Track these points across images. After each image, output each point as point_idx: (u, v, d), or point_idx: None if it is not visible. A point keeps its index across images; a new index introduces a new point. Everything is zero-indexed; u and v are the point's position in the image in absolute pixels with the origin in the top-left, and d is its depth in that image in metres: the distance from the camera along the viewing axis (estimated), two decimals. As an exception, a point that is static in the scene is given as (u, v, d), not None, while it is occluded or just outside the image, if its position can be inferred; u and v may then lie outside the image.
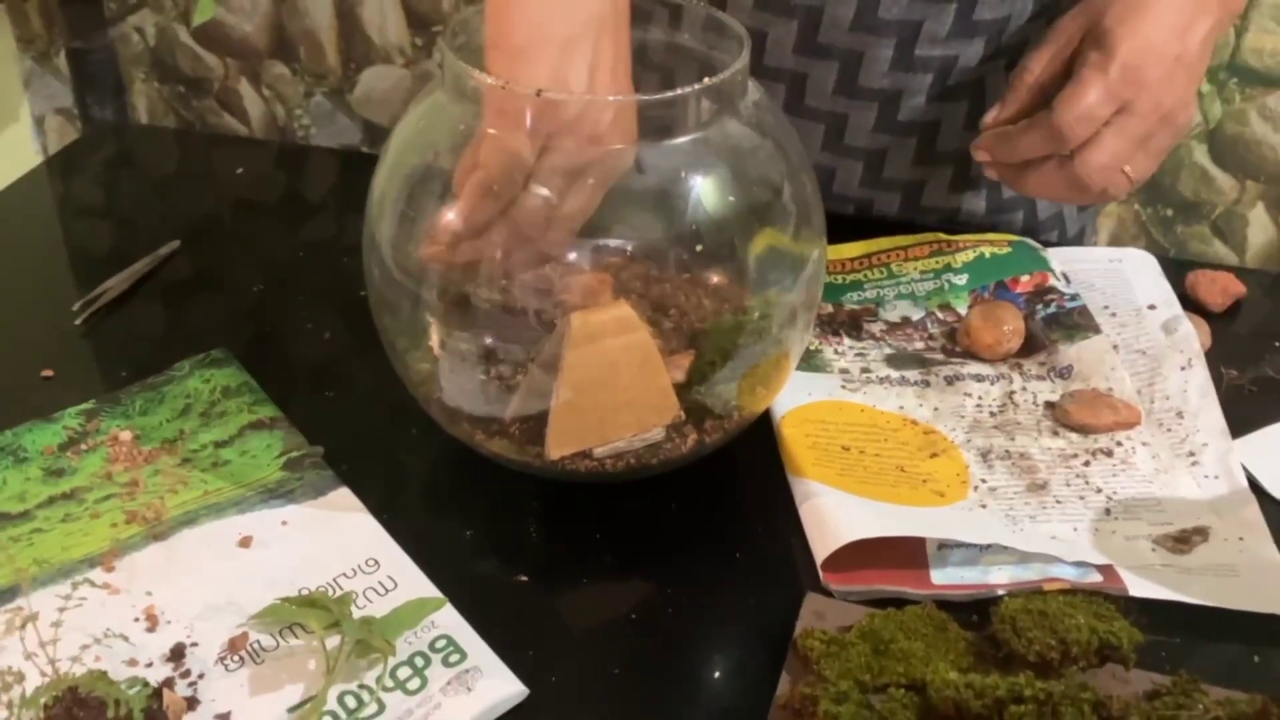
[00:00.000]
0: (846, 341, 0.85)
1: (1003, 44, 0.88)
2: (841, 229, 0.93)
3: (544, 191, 0.58)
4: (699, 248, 0.69)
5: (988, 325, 0.83)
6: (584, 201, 0.62)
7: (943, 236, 0.93)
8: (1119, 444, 0.77)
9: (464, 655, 0.61)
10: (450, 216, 0.58)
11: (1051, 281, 0.88)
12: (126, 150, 1.14)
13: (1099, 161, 0.75)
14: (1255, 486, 0.74)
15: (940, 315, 0.88)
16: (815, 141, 0.94)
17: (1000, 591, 0.66)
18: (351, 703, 0.59)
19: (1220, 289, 0.90)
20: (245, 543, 0.67)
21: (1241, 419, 0.78)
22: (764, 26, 0.89)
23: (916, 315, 0.88)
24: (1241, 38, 1.51)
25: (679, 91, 0.62)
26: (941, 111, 0.91)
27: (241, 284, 0.91)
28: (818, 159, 0.95)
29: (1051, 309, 0.86)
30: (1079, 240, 1.03)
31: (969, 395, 0.81)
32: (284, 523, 0.69)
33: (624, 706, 0.61)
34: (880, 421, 0.78)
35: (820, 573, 0.67)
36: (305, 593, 0.64)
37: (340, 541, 0.68)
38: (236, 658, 0.61)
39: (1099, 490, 0.74)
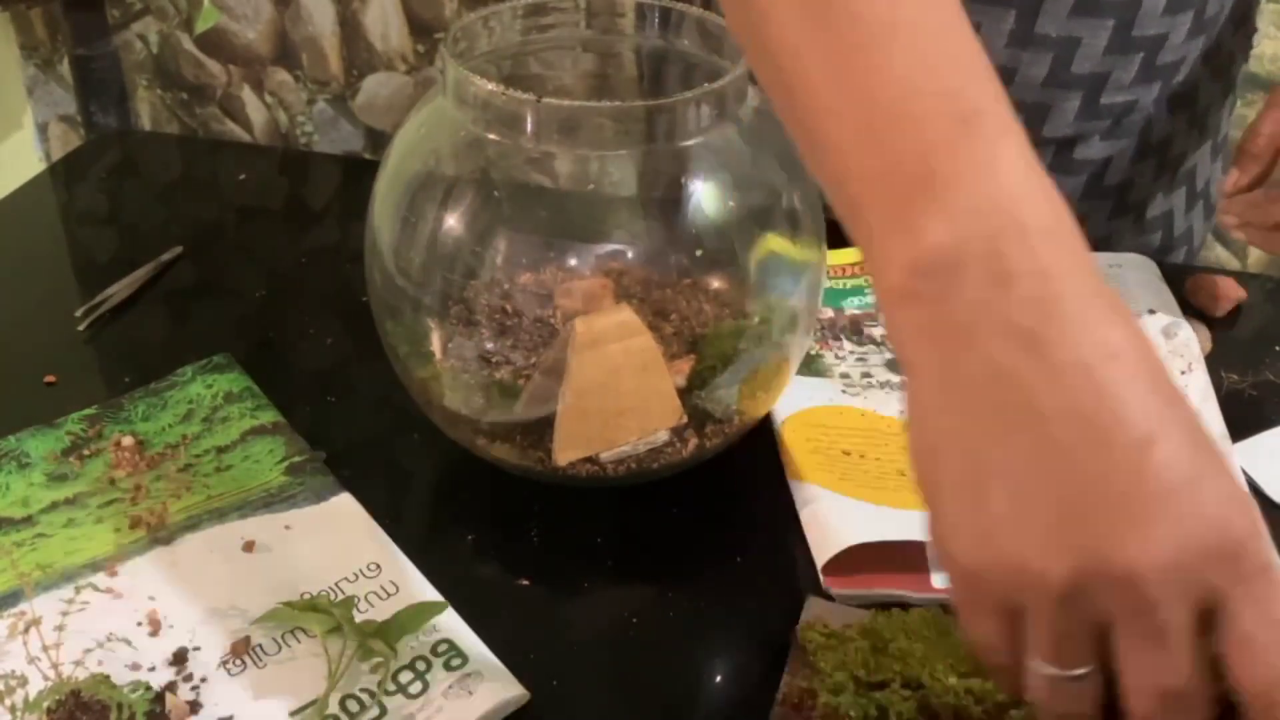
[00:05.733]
0: (847, 346, 0.85)
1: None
2: (842, 234, 0.93)
3: None
4: (699, 253, 0.70)
5: (988, 330, 0.83)
6: None
7: (943, 242, 0.93)
8: (1119, 448, 0.77)
9: (465, 659, 0.61)
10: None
11: (1052, 286, 0.88)
12: (129, 157, 1.14)
13: None
14: (1255, 490, 0.74)
15: (941, 320, 0.88)
16: None
17: (1001, 595, 0.66)
18: (353, 706, 0.59)
19: (1221, 294, 0.90)
20: (248, 547, 0.68)
21: (1241, 423, 0.78)
22: None
23: (917, 320, 0.88)
24: (1242, 43, 1.51)
25: (679, 97, 0.62)
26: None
27: (244, 290, 0.92)
28: None
29: (1052, 314, 0.86)
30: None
31: (969, 400, 0.81)
32: (286, 527, 0.69)
33: (625, 710, 0.61)
34: (881, 426, 0.78)
35: (821, 577, 0.67)
36: (307, 597, 0.64)
37: (342, 546, 0.68)
38: (239, 662, 0.61)
39: (1099, 494, 0.74)
